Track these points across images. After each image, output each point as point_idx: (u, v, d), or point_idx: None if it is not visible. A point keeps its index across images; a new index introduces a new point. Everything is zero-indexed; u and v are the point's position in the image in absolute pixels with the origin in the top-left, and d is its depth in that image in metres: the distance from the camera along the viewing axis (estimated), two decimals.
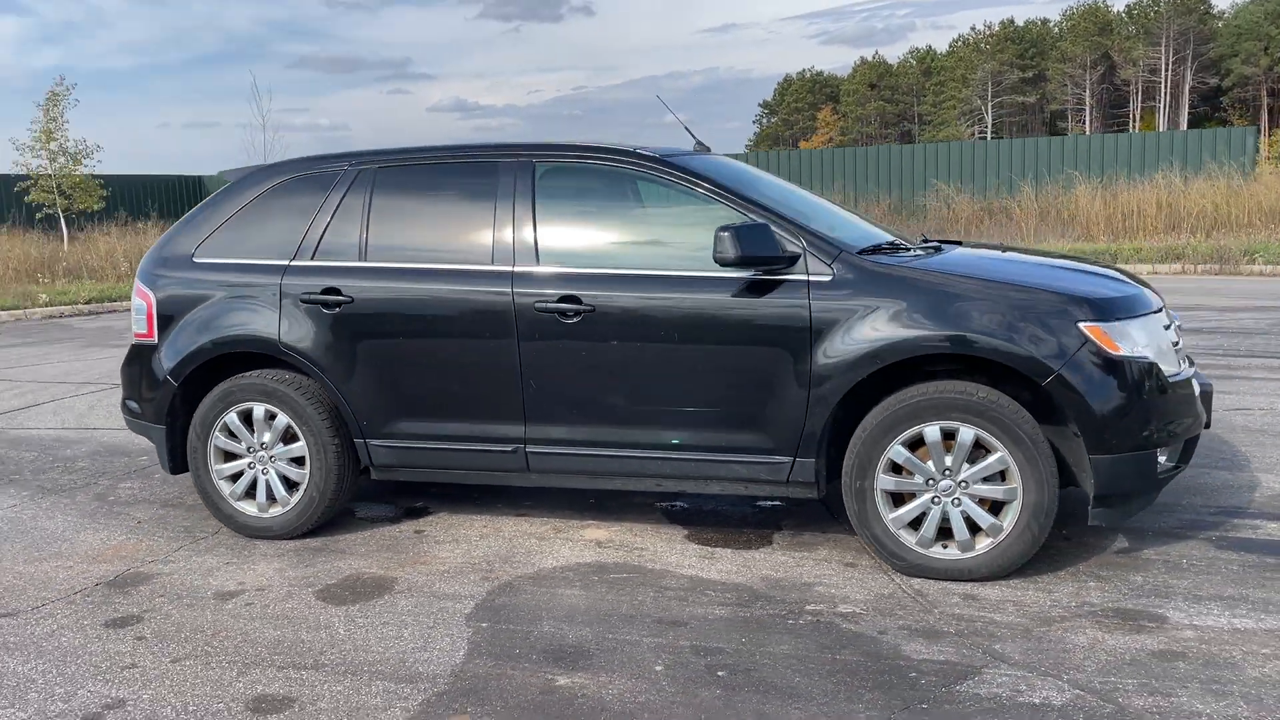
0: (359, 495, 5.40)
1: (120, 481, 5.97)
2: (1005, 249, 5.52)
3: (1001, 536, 4.01)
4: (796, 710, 3.13)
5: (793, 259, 4.14)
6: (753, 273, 4.16)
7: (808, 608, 3.88)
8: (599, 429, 4.43)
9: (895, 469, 4.10)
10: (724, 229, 4.01)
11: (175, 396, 4.91)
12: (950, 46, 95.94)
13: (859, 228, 4.95)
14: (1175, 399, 4.06)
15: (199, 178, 34.12)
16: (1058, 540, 4.43)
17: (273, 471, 4.81)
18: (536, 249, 4.45)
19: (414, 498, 5.41)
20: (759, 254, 4.04)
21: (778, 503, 5.13)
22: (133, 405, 5.11)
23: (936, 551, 4.09)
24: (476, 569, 4.38)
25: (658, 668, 3.44)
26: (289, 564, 4.53)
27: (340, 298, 4.64)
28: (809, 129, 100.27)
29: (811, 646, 3.55)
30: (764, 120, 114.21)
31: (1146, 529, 4.62)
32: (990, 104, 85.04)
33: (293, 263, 4.76)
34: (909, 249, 4.61)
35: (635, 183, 4.53)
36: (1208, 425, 4.38)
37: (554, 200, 4.56)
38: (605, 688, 3.31)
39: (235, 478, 4.87)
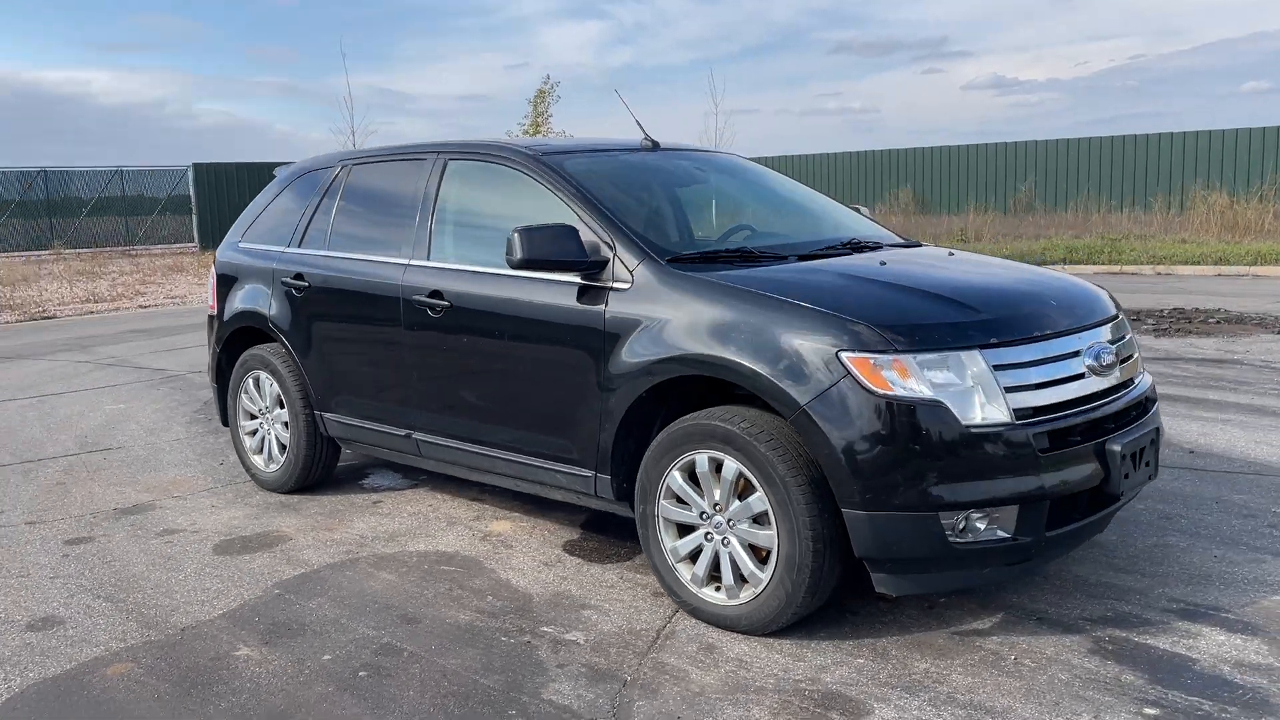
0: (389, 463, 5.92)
1: None
2: (950, 254, 4.60)
3: (760, 588, 3.54)
4: None
5: (597, 264, 3.93)
6: (570, 276, 4.01)
7: (542, 628, 3.74)
8: (464, 423, 4.53)
9: (677, 497, 3.76)
10: (515, 230, 3.92)
11: (220, 360, 5.77)
12: None
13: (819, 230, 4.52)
14: (980, 454, 3.28)
15: None
16: (909, 605, 3.77)
17: (272, 433, 5.49)
18: (429, 243, 4.63)
19: (421, 473, 5.81)
20: (549, 257, 3.90)
21: None
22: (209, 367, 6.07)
23: (707, 593, 3.71)
24: (356, 542, 4.71)
25: (325, 657, 3.57)
26: (242, 513, 5.18)
27: (303, 282, 5.17)
28: None
29: (476, 666, 3.46)
30: None
31: (1044, 614, 3.74)
32: None
33: (285, 250, 5.38)
34: (809, 256, 4.10)
35: (520, 182, 4.52)
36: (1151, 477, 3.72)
37: (451, 197, 4.69)
38: (267, 664, 3.51)
39: (253, 434, 5.63)
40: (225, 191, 27.85)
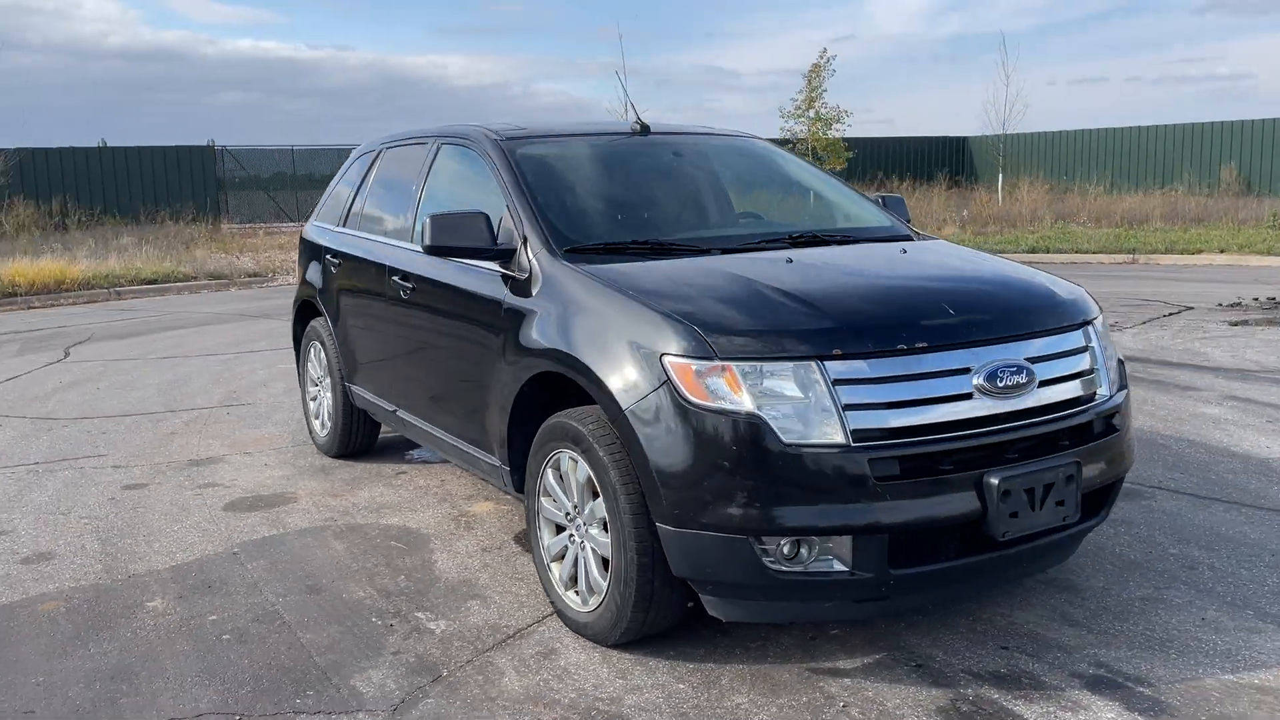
0: None
1: None
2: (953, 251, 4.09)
3: (601, 598, 3.40)
4: (155, 683, 3.32)
5: (506, 252, 3.88)
6: (489, 264, 3.99)
7: (415, 614, 3.78)
8: (425, 404, 4.63)
9: (550, 495, 3.67)
10: (428, 215, 3.94)
11: (295, 331, 6.20)
12: None
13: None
14: (802, 477, 2.95)
15: (961, 139, 34.76)
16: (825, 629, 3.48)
17: (325, 401, 5.85)
18: (413, 225, 4.74)
19: None
20: (455, 244, 3.90)
21: None
22: None
23: (570, 596, 3.60)
24: (343, 510, 4.94)
25: (212, 618, 3.79)
26: (281, 474, 5.57)
27: (335, 260, 5.45)
28: None
29: (323, 643, 3.55)
30: None
31: (929, 662, 3.33)
32: None
33: (333, 228, 5.68)
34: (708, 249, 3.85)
35: (481, 167, 4.50)
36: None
37: (435, 180, 4.76)
38: (160, 618, 3.79)
39: (314, 400, 6.02)
40: None
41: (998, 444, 3.12)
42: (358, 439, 5.71)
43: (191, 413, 7.10)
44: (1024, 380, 3.18)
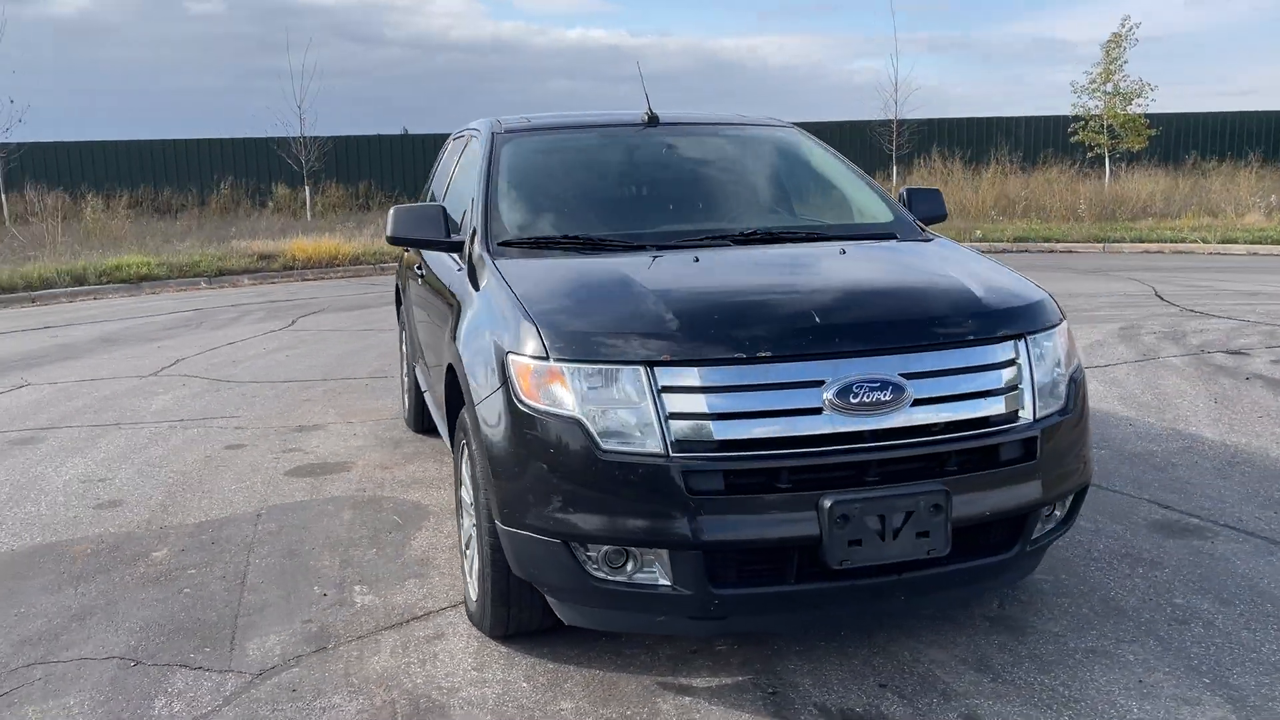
0: None
1: None
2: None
3: (477, 589, 3.45)
4: (97, 626, 3.70)
5: (457, 245, 3.99)
6: (456, 256, 4.11)
7: (355, 586, 3.97)
8: (430, 388, 4.83)
9: (464, 484, 3.75)
10: (392, 208, 4.11)
11: (399, 311, 6.61)
12: None
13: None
14: (616, 485, 2.85)
15: None
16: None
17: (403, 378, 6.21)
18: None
19: None
20: (410, 235, 4.04)
21: None
22: None
23: (470, 585, 3.66)
24: (379, 483, 5.24)
25: (190, 571, 4.18)
26: (360, 443, 5.97)
27: (403, 246, 5.75)
28: None
29: (255, 604, 3.83)
30: None
31: (787, 689, 3.13)
32: None
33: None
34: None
35: (478, 158, 4.57)
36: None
37: (462, 171, 4.90)
38: (155, 567, 4.22)
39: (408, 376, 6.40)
40: None
41: (850, 464, 2.87)
42: (427, 415, 6.00)
43: (338, 383, 7.71)
44: (887, 398, 2.90)
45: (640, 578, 2.93)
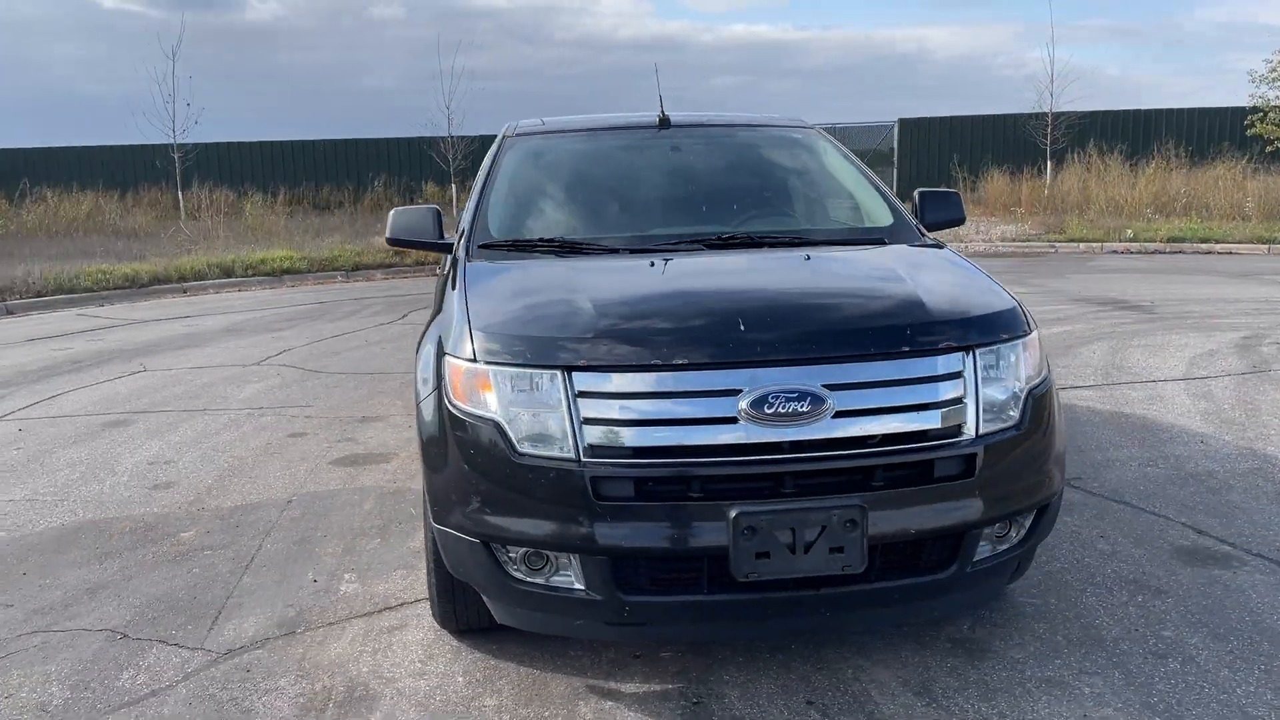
0: None
1: None
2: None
3: None
4: (105, 600, 3.96)
5: (446, 246, 4.10)
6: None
7: (345, 574, 4.13)
8: None
9: None
10: (393, 210, 4.24)
11: None
12: None
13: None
14: (529, 488, 2.87)
15: None
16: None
17: None
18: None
19: None
20: (405, 236, 4.16)
21: None
22: None
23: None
24: (410, 474, 5.41)
25: (206, 552, 4.42)
26: (412, 435, 6.17)
27: None
28: None
29: (253, 586, 4.03)
30: None
31: (692, 701, 3.10)
32: None
33: None
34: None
35: None
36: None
37: (492, 172, 5.00)
38: (178, 546, 4.48)
39: None
40: (927, 145, 28.47)
41: (763, 476, 2.82)
42: None
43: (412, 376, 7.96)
44: (804, 409, 2.82)
45: (557, 581, 2.96)
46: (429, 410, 3.18)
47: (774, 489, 2.81)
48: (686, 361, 2.87)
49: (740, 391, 2.84)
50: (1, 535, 4.70)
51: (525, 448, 2.89)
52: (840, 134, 31.07)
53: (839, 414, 2.85)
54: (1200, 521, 4.38)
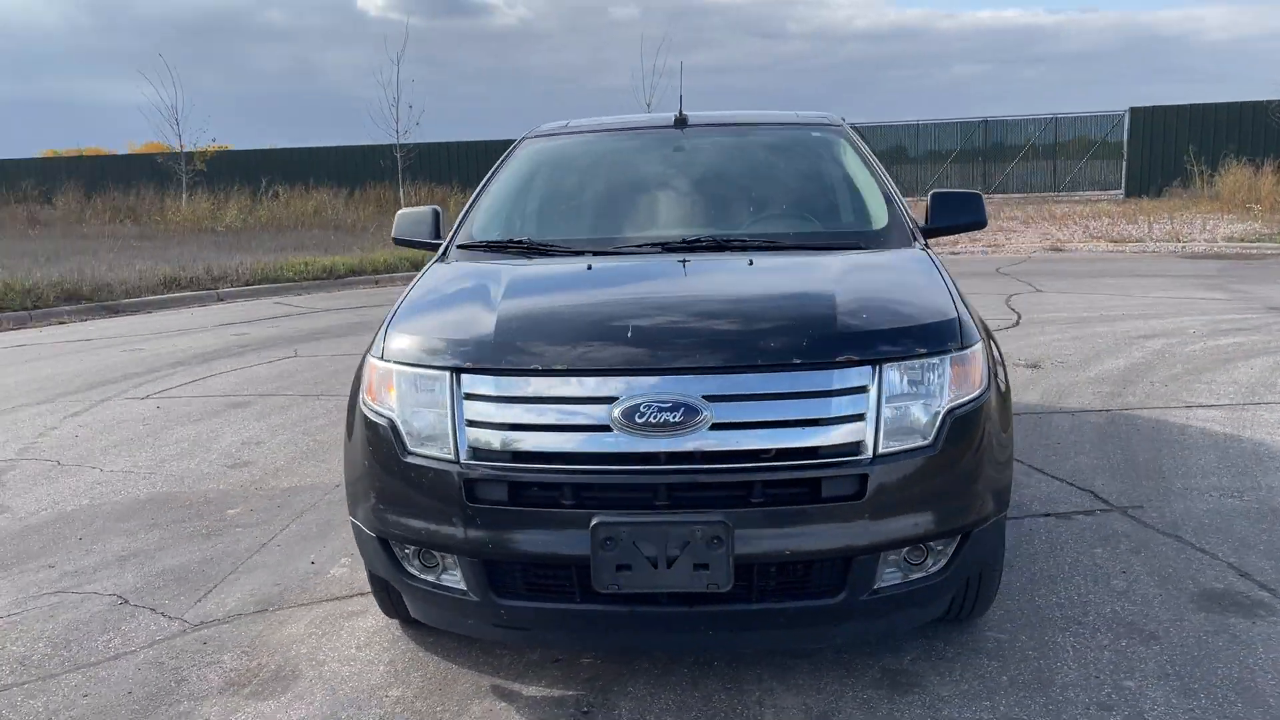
0: None
1: None
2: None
3: None
4: (135, 566, 4.30)
5: (436, 246, 4.21)
6: None
7: (342, 559, 4.32)
8: None
9: None
10: (399, 211, 4.39)
11: None
12: None
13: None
14: (413, 488, 2.94)
15: None
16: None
17: None
18: None
19: None
20: (407, 236, 4.30)
21: None
22: None
23: None
24: None
25: (237, 529, 4.73)
26: None
27: None
28: None
29: (259, 565, 4.28)
30: None
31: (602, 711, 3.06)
32: None
33: None
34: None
35: None
36: None
37: None
38: (221, 523, 4.82)
39: None
40: (1162, 136, 26.43)
41: (633, 486, 2.76)
42: None
43: None
44: (677, 419, 2.74)
45: (446, 580, 3.00)
46: (351, 408, 3.28)
47: (648, 501, 2.75)
48: (564, 368, 2.85)
49: (615, 400, 2.79)
50: (85, 502, 5.18)
51: (414, 448, 2.95)
52: (1058, 125, 29.40)
53: (717, 426, 2.75)
54: (1250, 563, 3.92)
